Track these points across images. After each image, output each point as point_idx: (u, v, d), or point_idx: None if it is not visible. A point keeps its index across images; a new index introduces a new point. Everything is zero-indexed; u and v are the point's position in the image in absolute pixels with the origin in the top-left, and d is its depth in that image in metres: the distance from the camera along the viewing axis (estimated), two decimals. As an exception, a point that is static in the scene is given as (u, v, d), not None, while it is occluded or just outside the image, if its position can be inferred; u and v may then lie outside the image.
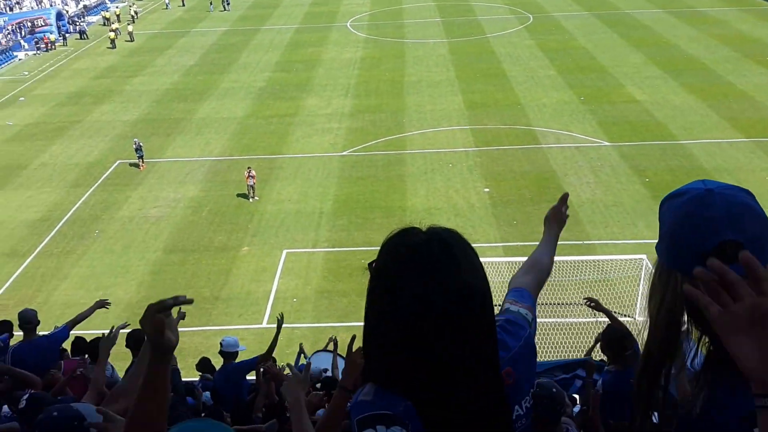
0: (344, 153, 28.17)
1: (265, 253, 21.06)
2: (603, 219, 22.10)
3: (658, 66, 37.23)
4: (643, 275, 17.15)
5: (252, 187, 24.33)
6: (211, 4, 57.35)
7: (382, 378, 1.55)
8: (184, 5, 59.74)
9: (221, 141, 29.99)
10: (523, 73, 37.40)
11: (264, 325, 17.27)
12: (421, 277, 1.46)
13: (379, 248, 1.59)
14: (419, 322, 1.44)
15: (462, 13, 52.84)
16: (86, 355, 7.76)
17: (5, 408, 4.93)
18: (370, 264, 1.64)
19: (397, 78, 37.62)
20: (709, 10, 49.62)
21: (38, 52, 47.56)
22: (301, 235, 21.96)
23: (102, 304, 7.99)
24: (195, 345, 16.01)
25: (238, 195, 24.72)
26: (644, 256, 17.30)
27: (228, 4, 57.10)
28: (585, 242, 20.59)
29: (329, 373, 9.32)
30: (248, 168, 24.60)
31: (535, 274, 2.23)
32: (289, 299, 18.54)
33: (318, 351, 11.13)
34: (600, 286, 18.12)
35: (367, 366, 1.62)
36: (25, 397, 4.88)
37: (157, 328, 2.00)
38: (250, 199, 24.35)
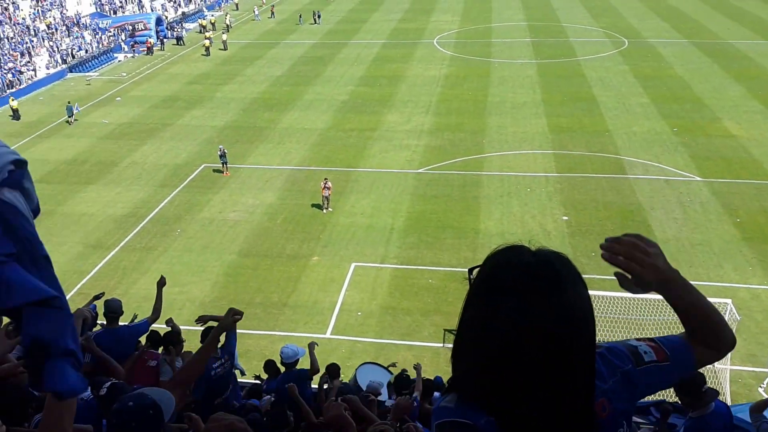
0: (420, 170, 28.08)
1: (334, 264, 21.21)
2: (688, 258, 20.94)
3: (759, 100, 35.36)
4: (727, 320, 16.13)
5: (327, 198, 24.60)
6: (300, 17, 58.83)
7: (469, 388, 1.52)
8: (273, 16, 61.52)
9: (301, 151, 30.53)
10: (614, 99, 36.34)
11: (328, 335, 17.33)
12: (526, 295, 1.43)
13: (482, 262, 1.58)
14: (517, 339, 1.42)
15: (554, 34, 51.99)
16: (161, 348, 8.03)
17: (87, 391, 5.07)
18: (470, 270, 1.58)
19: (480, 97, 37.31)
20: (820, 42, 46.89)
21: (136, 54, 50.02)
22: (370, 250, 21.98)
23: (162, 282, 8.54)
24: (260, 348, 16.33)
25: (313, 205, 25.05)
26: (729, 301, 16.31)
27: (319, 17, 58.41)
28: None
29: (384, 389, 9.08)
30: (325, 179, 24.90)
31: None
32: (354, 312, 18.56)
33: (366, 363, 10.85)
34: (680, 329, 17.17)
35: (454, 374, 1.59)
36: (107, 385, 5.01)
37: (233, 324, 4.26)
38: (324, 210, 24.61)
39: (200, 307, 18.79)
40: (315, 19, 58.10)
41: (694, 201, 24.69)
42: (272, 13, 62.18)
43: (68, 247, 22.57)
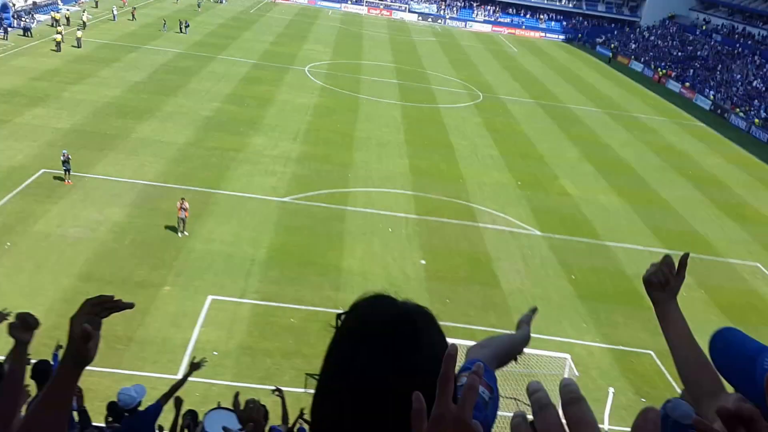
0: (285, 199, 27.48)
1: (188, 296, 19.87)
2: None
3: (591, 163, 38.55)
4: (566, 375, 17.10)
5: (183, 220, 23.15)
6: (165, 24, 56.29)
7: None
8: (134, 19, 58.34)
9: (157, 165, 28.75)
10: (468, 148, 37.99)
11: (179, 376, 16.08)
12: (382, 348, 1.45)
13: (349, 308, 1.57)
14: (367, 390, 1.42)
15: (418, 79, 53.82)
16: None
17: None
18: (338, 316, 1.56)
19: (347, 131, 37.50)
20: (643, 116, 52.47)
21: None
22: (229, 282, 20.91)
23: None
24: (104, 388, 14.60)
25: (167, 227, 23.50)
26: (568, 356, 17.28)
27: (187, 27, 56.13)
28: (511, 332, 20.41)
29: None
30: (182, 199, 23.41)
31: (492, 350, 2.16)
32: (210, 351, 17.42)
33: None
34: (525, 380, 17.91)
35: (313, 420, 1.53)
36: None
37: (86, 332, 1.90)
38: (180, 234, 23.18)
39: (35, 335, 16.72)
40: (182, 29, 55.76)
41: (534, 254, 26.00)
42: (133, 15, 58.86)
43: None
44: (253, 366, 17.20)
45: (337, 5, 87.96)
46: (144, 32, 54.55)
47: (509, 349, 2.29)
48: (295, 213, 26.40)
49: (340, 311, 1.57)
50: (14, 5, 52.69)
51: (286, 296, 20.61)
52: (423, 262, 24.25)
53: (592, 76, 67.47)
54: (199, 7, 69.39)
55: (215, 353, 17.36)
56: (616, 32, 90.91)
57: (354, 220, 26.52)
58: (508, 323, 20.90)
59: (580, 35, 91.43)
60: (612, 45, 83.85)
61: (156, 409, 7.37)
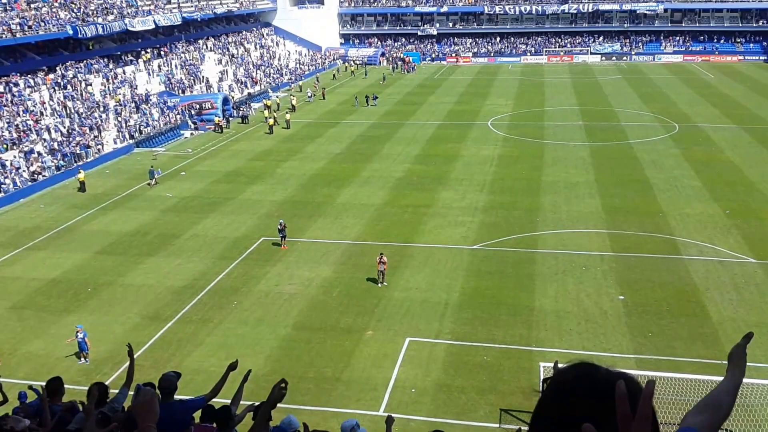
0: (475, 246, 28.34)
1: (388, 339, 21.28)
2: None
3: (810, 186, 34.86)
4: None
5: (382, 272, 24.95)
6: (356, 99, 61.22)
7: None
8: (324, 99, 64.20)
9: (358, 226, 31.23)
10: (667, 181, 36.27)
11: (380, 412, 17.30)
12: (598, 413, 1.43)
13: (553, 371, 1.75)
14: None
15: (606, 118, 52.60)
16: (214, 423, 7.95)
17: None
18: (544, 380, 1.70)
19: (533, 177, 37.74)
20: None
21: (201, 132, 52.43)
22: (424, 325, 22.05)
23: (233, 366, 8.15)
24: (312, 425, 16.08)
25: (368, 279, 25.43)
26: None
27: (375, 99, 60.64)
28: (724, 362, 18.95)
29: None
30: (380, 254, 25.31)
31: (710, 414, 1.94)
32: (408, 389, 18.51)
33: None
34: (739, 411, 16.64)
35: None
36: None
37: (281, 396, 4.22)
38: (379, 284, 24.94)
39: (252, 380, 18.61)
40: (369, 102, 60.29)
41: (749, 282, 24.38)
42: (323, 96, 64.90)
43: (126, 318, 23.22)
44: (449, 402, 17.89)
45: (516, 59, 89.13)
46: (341, 109, 59.83)
47: (727, 405, 2.02)
48: (485, 259, 27.10)
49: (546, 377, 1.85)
50: (233, 97, 60.76)
51: (479, 336, 21.21)
52: (621, 297, 23.56)
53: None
54: (383, 80, 74.38)
55: (413, 390, 18.38)
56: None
57: (545, 262, 26.54)
58: (717, 353, 19.61)
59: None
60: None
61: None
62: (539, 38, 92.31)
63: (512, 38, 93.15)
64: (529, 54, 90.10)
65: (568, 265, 26.23)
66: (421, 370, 19.46)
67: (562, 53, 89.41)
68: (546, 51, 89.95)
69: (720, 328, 21.24)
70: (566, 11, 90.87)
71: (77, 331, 20.71)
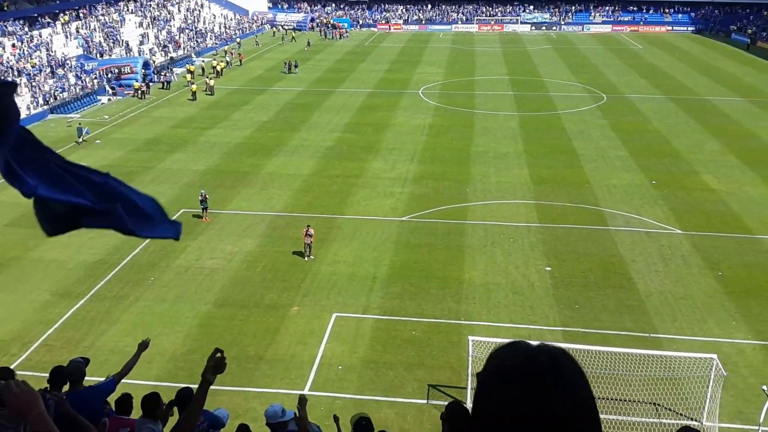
0: (404, 218, 27.83)
1: (314, 314, 20.61)
2: (671, 312, 20.74)
3: (736, 155, 35.85)
4: (712, 376, 15.81)
5: (309, 245, 24.17)
6: (285, 65, 59.32)
7: None
8: (240, 64, 62.25)
9: (284, 197, 30.20)
10: (594, 152, 36.63)
11: (306, 391, 16.65)
12: (533, 384, 1.45)
13: (486, 359, 1.58)
14: (526, 423, 1.43)
15: (535, 88, 52.84)
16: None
17: None
18: (477, 375, 1.60)
19: (464, 147, 37.46)
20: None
21: (119, 97, 49.85)
22: (352, 300, 21.45)
23: (145, 345, 7.95)
24: (234, 406, 15.46)
25: (294, 252, 24.57)
26: (715, 356, 15.98)
27: (296, 67, 58.90)
28: (651, 335, 19.37)
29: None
30: (307, 226, 24.50)
31: None
32: (335, 366, 17.92)
33: None
34: (666, 384, 16.85)
35: None
36: None
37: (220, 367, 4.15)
38: (306, 258, 24.14)
39: (171, 360, 18.02)
40: (291, 70, 58.51)
41: (675, 254, 24.63)
42: (240, 61, 63.02)
43: (35, 296, 21.67)
44: (377, 379, 17.42)
45: (447, 27, 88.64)
46: (269, 75, 57.95)
47: None
48: (414, 231, 26.64)
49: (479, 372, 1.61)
50: (154, 62, 57.88)
51: (408, 310, 20.78)
52: (548, 269, 23.56)
53: (730, 65, 63.01)
54: (308, 46, 72.44)
55: (340, 368, 17.81)
56: (752, 17, 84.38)
57: (474, 234, 26.32)
58: (644, 326, 19.83)
59: (711, 25, 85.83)
60: (749, 31, 77.89)
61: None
62: (470, 6, 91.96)
63: (443, 5, 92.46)
64: (460, 22, 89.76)
65: (497, 236, 26.08)
66: (348, 347, 18.91)
67: (492, 22, 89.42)
68: (477, 20, 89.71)
69: (647, 300, 21.43)
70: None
71: (-22, 312, 19.14)
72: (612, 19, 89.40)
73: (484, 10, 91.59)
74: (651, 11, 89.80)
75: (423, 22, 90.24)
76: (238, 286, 22.40)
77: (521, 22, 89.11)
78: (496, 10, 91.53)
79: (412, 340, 19.25)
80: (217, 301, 21.41)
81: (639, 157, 35.50)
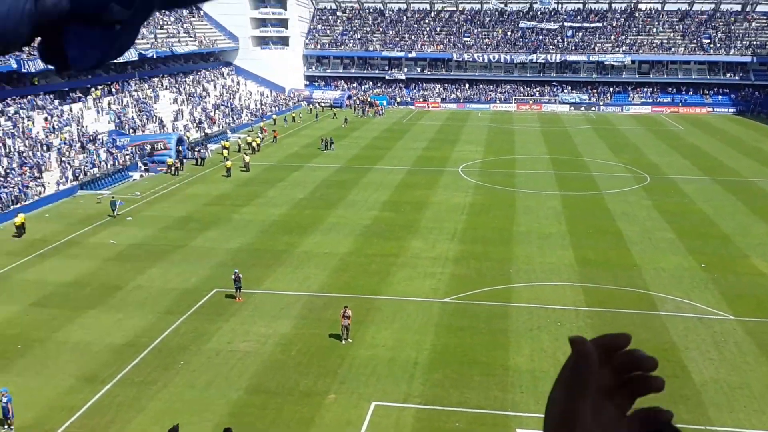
0: (446, 299, 26.73)
1: (352, 403, 19.41)
2: (728, 402, 19.64)
3: (786, 239, 34.51)
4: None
5: (346, 327, 23.18)
6: (323, 141, 59.52)
7: None
8: (275, 141, 62.31)
9: (321, 276, 29.37)
10: (640, 233, 35.45)
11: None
12: None
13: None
14: None
15: (576, 168, 52.15)
16: None
17: None
18: None
19: (505, 226, 36.53)
20: None
21: (152, 173, 49.78)
22: (392, 387, 20.22)
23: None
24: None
25: (331, 335, 23.54)
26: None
27: (332, 144, 59.11)
28: (708, 428, 18.26)
29: None
30: (345, 307, 23.59)
31: None
32: (373, 463, 16.59)
33: None
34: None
35: None
36: None
37: None
38: (343, 341, 23.08)
39: None
40: (328, 146, 58.77)
41: (728, 341, 23.54)
42: (275, 138, 63.08)
43: (59, 380, 20.80)
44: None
45: (486, 106, 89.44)
46: (305, 152, 58.23)
47: None
48: (456, 313, 25.50)
49: None
50: (189, 138, 58.39)
51: (451, 399, 19.51)
52: (600, 357, 22.08)
53: (771, 144, 61.88)
54: (345, 123, 73.23)
55: (379, 465, 16.47)
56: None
57: (519, 317, 25.13)
58: (701, 417, 18.43)
59: (752, 106, 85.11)
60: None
61: None
62: (508, 86, 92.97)
63: (481, 85, 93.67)
64: (498, 101, 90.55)
65: (543, 320, 24.89)
66: (388, 441, 17.59)
67: (531, 101, 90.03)
68: (515, 99, 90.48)
69: (703, 390, 20.23)
70: (534, 60, 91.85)
71: (1, 395, 18.38)
72: (651, 101, 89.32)
73: (522, 90, 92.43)
74: (690, 93, 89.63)
75: (461, 100, 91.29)
76: (272, 371, 21.34)
77: (560, 102, 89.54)
78: (535, 90, 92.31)
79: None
80: (249, 388, 20.33)
81: (686, 240, 34.23)
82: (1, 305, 26.47)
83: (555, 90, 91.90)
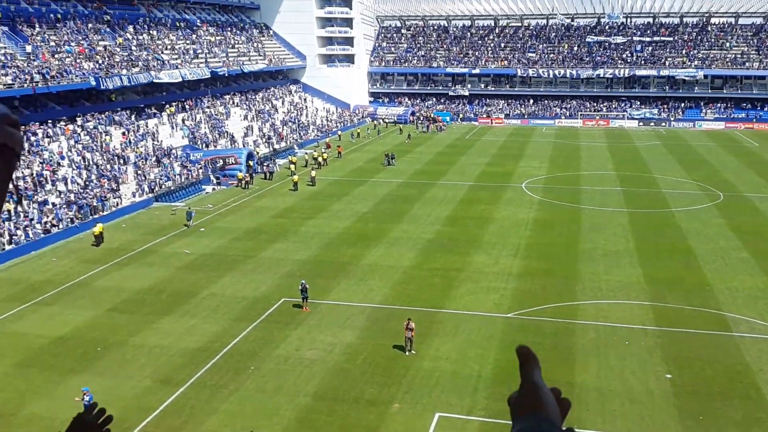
0: (509, 315, 26.65)
1: (416, 413, 19.63)
2: None
3: None
4: None
5: (410, 339, 23.43)
6: (386, 156, 60.25)
7: None
8: (340, 156, 63.32)
9: (384, 289, 29.77)
10: (713, 252, 34.42)
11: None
12: None
13: None
14: None
15: (645, 184, 51.01)
16: None
17: None
18: None
19: (571, 243, 36.11)
20: None
21: (223, 187, 51.59)
22: (456, 399, 20.35)
23: None
24: None
25: (395, 346, 23.85)
26: None
27: (393, 159, 59.68)
28: None
29: None
30: (408, 319, 23.86)
31: None
32: (437, 473, 16.73)
33: None
34: None
35: None
36: None
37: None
38: (407, 353, 23.34)
39: None
40: (390, 162, 59.30)
41: (807, 365, 22.53)
42: (339, 153, 64.02)
43: (136, 381, 21.83)
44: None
45: (550, 122, 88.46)
46: (369, 167, 59.05)
47: None
48: (520, 329, 25.42)
49: None
50: (258, 153, 60.07)
51: (516, 415, 19.38)
52: (669, 376, 21.75)
53: None
54: (409, 139, 73.86)
55: (443, 476, 16.59)
56: None
57: (585, 334, 24.82)
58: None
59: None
60: None
61: None
62: (574, 102, 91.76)
63: (546, 101, 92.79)
64: (563, 117, 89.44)
65: (610, 338, 24.50)
66: (452, 453, 17.71)
67: (597, 117, 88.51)
68: (581, 115, 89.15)
69: None
70: (601, 75, 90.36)
71: (83, 394, 19.41)
72: (725, 116, 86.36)
73: (589, 105, 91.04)
74: (766, 108, 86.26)
75: (525, 116, 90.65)
76: (338, 379, 21.82)
77: (628, 118, 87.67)
78: (602, 105, 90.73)
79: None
80: (316, 394, 20.86)
81: (761, 259, 33.08)
82: (82, 310, 27.96)
83: (623, 105, 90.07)
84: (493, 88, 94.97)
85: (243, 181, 51.52)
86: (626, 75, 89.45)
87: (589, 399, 20.33)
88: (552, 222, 40.49)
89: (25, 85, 47.59)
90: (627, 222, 40.27)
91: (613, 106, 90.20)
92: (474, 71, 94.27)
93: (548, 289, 29.37)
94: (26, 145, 44.86)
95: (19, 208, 38.58)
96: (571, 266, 32.35)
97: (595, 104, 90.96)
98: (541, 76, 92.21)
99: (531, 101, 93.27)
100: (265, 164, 56.55)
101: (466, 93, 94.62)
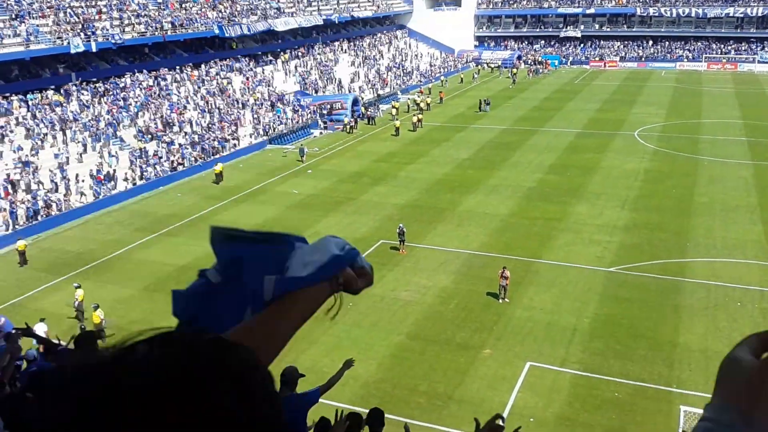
0: (612, 269, 25.64)
1: (507, 360, 19.49)
2: None
3: None
4: None
5: (504, 287, 23.12)
6: (481, 102, 58.65)
7: None
8: (441, 102, 62.17)
9: (481, 236, 29.41)
10: None
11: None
12: None
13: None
14: None
15: (774, 134, 47.04)
16: None
17: None
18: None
19: (685, 196, 34.03)
20: None
21: (329, 131, 52.98)
22: (549, 350, 19.98)
23: (349, 364, 8.14)
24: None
25: (488, 293, 23.64)
26: None
27: (488, 105, 58.07)
28: None
29: None
30: (503, 267, 23.53)
31: None
32: (526, 418, 16.61)
33: None
34: None
35: None
36: None
37: None
38: (500, 300, 23.08)
39: (363, 386, 18.04)
40: (482, 107, 57.74)
41: None
42: (441, 99, 63.09)
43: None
44: (572, 441, 15.81)
45: (671, 65, 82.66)
46: (470, 113, 57.72)
47: None
48: (623, 284, 24.40)
49: None
50: (362, 98, 60.61)
51: (612, 369, 18.86)
52: (784, 342, 20.16)
53: None
54: (513, 83, 71.48)
55: (531, 420, 16.50)
56: None
57: (694, 293, 23.53)
58: None
59: None
60: None
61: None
62: (698, 43, 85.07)
63: (667, 42, 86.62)
64: (685, 60, 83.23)
65: (721, 298, 23.10)
66: (543, 399, 17.54)
67: (724, 60, 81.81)
68: (706, 57, 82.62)
69: None
70: (731, 14, 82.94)
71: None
72: None
73: (715, 47, 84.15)
74: None
75: (642, 59, 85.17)
76: (431, 320, 21.98)
77: (759, 61, 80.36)
78: (729, 47, 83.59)
79: (615, 401, 17.36)
80: (409, 333, 21.18)
81: None
82: (203, 241, 28.87)
83: (754, 48, 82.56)
84: (608, 29, 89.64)
85: (348, 126, 52.45)
86: (759, 14, 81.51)
87: (693, 360, 19.39)
88: (666, 173, 38.24)
89: (156, 33, 51.63)
90: (750, 175, 37.40)
91: (743, 49, 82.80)
92: (588, 11, 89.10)
93: (656, 244, 27.94)
94: (156, 89, 48.29)
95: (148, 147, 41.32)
96: (684, 221, 30.56)
97: (722, 46, 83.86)
98: (663, 15, 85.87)
99: (650, 42, 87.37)
100: (368, 109, 57.14)
101: (578, 34, 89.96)
